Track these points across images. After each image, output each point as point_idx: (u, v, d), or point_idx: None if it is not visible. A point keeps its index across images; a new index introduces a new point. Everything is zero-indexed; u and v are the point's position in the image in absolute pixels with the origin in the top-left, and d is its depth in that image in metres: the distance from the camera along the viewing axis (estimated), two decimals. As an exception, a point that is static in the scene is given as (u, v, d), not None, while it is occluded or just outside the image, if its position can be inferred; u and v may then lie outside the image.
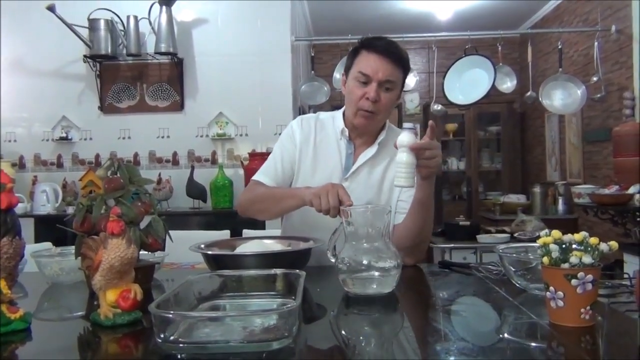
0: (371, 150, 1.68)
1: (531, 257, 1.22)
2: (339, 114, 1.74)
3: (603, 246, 0.94)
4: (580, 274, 0.91)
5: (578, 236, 0.95)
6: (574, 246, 0.95)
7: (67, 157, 4.42)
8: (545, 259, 0.95)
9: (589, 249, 0.93)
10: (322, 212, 1.40)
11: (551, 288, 0.94)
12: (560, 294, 0.93)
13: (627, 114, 4.02)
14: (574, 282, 0.91)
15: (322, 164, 1.69)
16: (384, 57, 1.57)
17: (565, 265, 0.92)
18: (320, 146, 1.71)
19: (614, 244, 0.94)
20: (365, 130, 1.67)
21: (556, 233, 0.96)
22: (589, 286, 0.91)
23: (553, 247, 0.94)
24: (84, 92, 4.40)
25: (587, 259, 0.91)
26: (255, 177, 1.72)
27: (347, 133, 1.69)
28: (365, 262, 1.21)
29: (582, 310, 0.92)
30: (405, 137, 1.37)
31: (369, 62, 1.58)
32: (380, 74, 1.57)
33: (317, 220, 1.62)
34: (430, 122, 1.46)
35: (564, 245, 0.95)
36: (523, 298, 1.17)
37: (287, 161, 1.71)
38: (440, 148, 1.44)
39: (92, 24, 4.14)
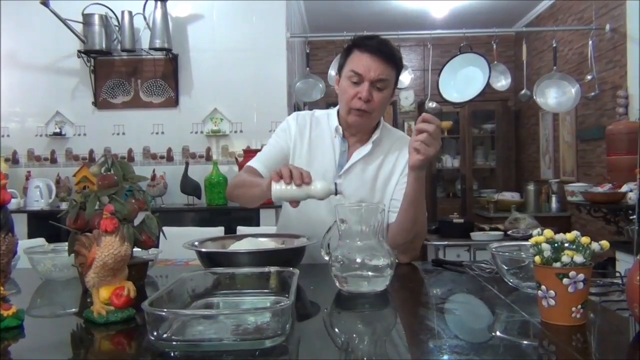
0: (365, 149, 1.68)
1: (524, 255, 1.23)
2: (333, 111, 1.75)
3: (594, 245, 0.94)
4: (572, 273, 0.91)
5: (570, 235, 0.95)
6: (565, 245, 0.95)
7: (61, 152, 4.41)
8: (537, 258, 0.96)
9: (581, 248, 0.94)
10: (293, 179, 1.35)
11: (543, 287, 0.95)
12: (552, 292, 0.93)
13: (621, 113, 4.04)
14: (565, 281, 0.92)
15: (317, 160, 1.70)
16: (375, 56, 1.58)
17: (557, 265, 0.93)
18: (315, 142, 1.72)
19: (605, 243, 0.95)
20: (359, 129, 1.68)
21: (548, 232, 0.97)
22: (581, 285, 0.92)
23: (545, 246, 0.95)
24: (78, 87, 4.39)
25: (579, 258, 0.92)
26: (249, 163, 1.74)
27: (341, 131, 1.70)
28: (358, 260, 1.21)
29: (574, 309, 0.93)
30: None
31: (360, 62, 1.59)
32: (372, 73, 1.57)
33: (313, 218, 1.63)
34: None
35: (555, 245, 0.95)
36: (515, 296, 1.17)
37: (281, 152, 1.72)
38: (439, 135, 1.45)
39: (87, 19, 4.12)
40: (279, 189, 1.34)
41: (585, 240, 0.94)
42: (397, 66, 1.64)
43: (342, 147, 1.70)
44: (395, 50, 1.63)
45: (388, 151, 1.70)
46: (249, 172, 1.69)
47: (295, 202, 1.37)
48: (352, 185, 1.63)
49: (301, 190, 1.34)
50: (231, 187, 1.72)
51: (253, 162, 1.72)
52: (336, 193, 1.37)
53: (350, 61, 1.62)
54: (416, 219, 1.58)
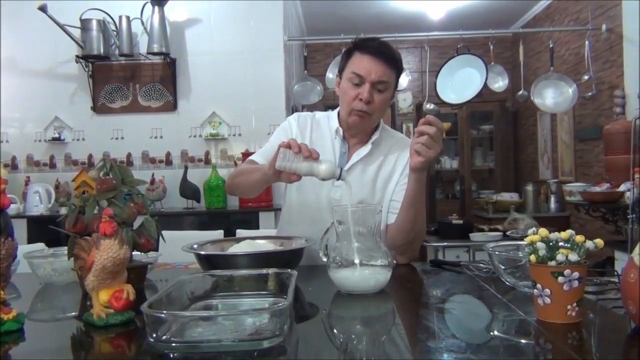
0: (365, 150, 1.69)
1: (520, 255, 1.24)
2: (333, 114, 1.76)
3: (589, 244, 0.95)
4: (567, 272, 0.92)
5: (564, 234, 0.96)
6: (560, 244, 0.96)
7: (60, 157, 4.41)
8: (533, 257, 0.96)
9: (575, 246, 0.95)
10: (301, 151, 1.34)
11: (538, 285, 0.96)
12: (547, 291, 0.94)
13: (618, 112, 4.05)
14: (560, 279, 0.92)
15: None
16: (376, 58, 1.58)
17: (552, 263, 0.94)
18: (315, 144, 1.72)
19: (599, 241, 0.96)
20: (359, 130, 1.69)
21: (543, 231, 0.97)
22: (576, 283, 0.93)
23: (540, 245, 0.96)
24: (77, 92, 4.40)
25: (574, 257, 0.93)
26: (250, 157, 1.75)
27: (341, 132, 1.70)
28: (356, 261, 1.22)
29: (569, 307, 0.94)
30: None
31: (361, 63, 1.59)
32: (373, 75, 1.58)
33: (312, 220, 1.64)
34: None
35: (550, 243, 0.96)
36: (512, 295, 1.18)
37: None
38: (440, 138, 1.44)
39: (84, 24, 4.13)
40: (284, 157, 1.33)
41: (579, 238, 0.95)
42: (398, 68, 1.65)
43: (342, 148, 1.71)
44: (396, 53, 1.64)
45: (388, 152, 1.71)
46: (249, 164, 1.71)
47: (296, 175, 1.36)
48: (352, 187, 1.63)
49: (306, 163, 1.34)
50: (231, 177, 1.72)
51: (254, 156, 1.74)
52: (339, 178, 1.37)
53: (351, 63, 1.63)
54: (416, 220, 1.59)
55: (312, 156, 1.34)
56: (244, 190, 1.71)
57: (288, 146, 1.34)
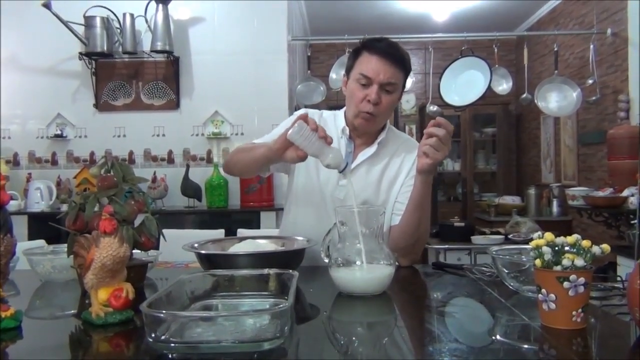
0: (370, 150, 1.68)
1: (524, 259, 1.23)
2: (340, 113, 1.75)
3: (595, 249, 0.94)
4: (572, 277, 0.91)
5: (570, 239, 0.95)
6: (566, 249, 0.95)
7: (62, 154, 4.41)
8: (538, 262, 0.95)
9: (582, 251, 0.94)
10: (317, 130, 1.34)
11: (543, 290, 0.94)
12: (552, 296, 0.93)
13: (622, 117, 4.04)
14: (565, 284, 0.91)
15: None
16: (385, 59, 1.57)
17: (558, 268, 0.93)
18: None
19: (606, 247, 0.94)
20: (365, 131, 1.68)
21: (549, 235, 0.96)
22: (581, 289, 0.92)
23: (545, 249, 0.95)
24: (79, 89, 4.39)
25: (580, 262, 0.92)
26: (252, 141, 1.73)
27: (347, 132, 1.69)
28: (358, 262, 1.21)
29: (574, 312, 0.92)
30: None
31: (370, 64, 1.58)
32: (382, 76, 1.56)
33: (314, 218, 1.63)
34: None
35: (556, 248, 0.95)
36: (515, 300, 1.17)
37: None
38: (448, 140, 1.42)
39: (88, 21, 4.13)
40: (300, 130, 1.32)
41: (586, 243, 0.94)
42: (406, 69, 1.63)
43: (348, 147, 1.69)
44: (404, 53, 1.63)
45: (394, 153, 1.70)
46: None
47: (302, 152, 1.35)
48: (356, 186, 1.62)
49: (318, 143, 1.33)
50: (231, 154, 1.71)
51: (256, 140, 1.71)
52: (341, 171, 1.38)
53: (359, 63, 1.61)
54: (420, 223, 1.57)
55: (327, 139, 1.33)
56: (242, 168, 1.67)
57: (306, 121, 1.33)
